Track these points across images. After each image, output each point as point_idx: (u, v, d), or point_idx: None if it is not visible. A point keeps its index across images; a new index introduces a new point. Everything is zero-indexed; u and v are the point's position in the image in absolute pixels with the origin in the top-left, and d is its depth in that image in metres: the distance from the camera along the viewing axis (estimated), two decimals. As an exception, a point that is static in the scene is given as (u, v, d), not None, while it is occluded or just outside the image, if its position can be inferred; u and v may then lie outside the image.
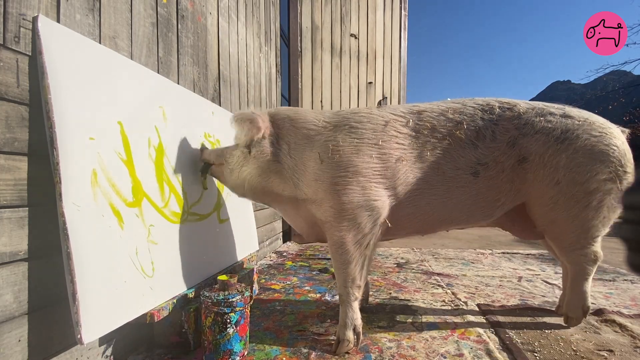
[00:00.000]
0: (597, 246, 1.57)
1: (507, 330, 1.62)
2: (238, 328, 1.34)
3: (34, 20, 0.99)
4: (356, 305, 1.48)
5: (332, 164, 1.44)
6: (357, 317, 1.47)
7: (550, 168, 1.49)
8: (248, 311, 1.40)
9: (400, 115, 1.54)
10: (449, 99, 1.65)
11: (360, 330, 1.46)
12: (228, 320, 1.31)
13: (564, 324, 1.66)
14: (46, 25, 1.01)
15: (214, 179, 1.82)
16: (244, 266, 2.06)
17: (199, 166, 1.73)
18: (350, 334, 1.44)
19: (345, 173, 1.43)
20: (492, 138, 1.50)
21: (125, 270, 1.17)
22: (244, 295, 1.37)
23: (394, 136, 1.49)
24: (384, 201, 1.45)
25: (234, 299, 1.33)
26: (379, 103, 5.60)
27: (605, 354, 1.41)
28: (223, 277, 1.40)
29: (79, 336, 0.96)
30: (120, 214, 1.19)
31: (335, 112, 1.62)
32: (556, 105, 1.60)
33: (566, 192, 1.49)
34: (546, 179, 1.49)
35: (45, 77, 0.98)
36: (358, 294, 1.48)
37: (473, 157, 1.49)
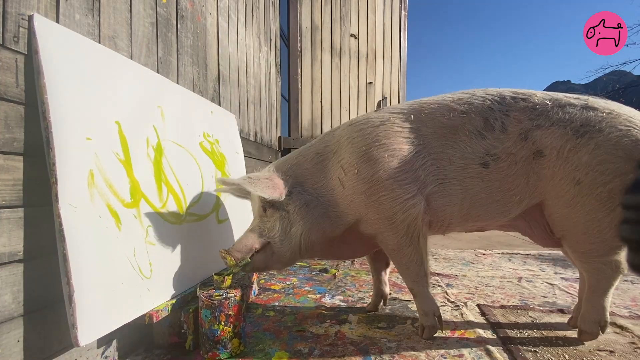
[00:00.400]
0: (620, 255, 1.41)
1: (507, 331, 1.62)
2: (229, 321, 1.36)
3: (30, 19, 0.99)
4: (429, 293, 1.56)
5: (355, 182, 1.47)
6: (433, 303, 1.56)
7: (570, 165, 1.37)
8: (237, 307, 1.38)
9: (400, 112, 1.54)
10: (460, 90, 1.62)
11: (440, 313, 1.56)
12: (217, 314, 1.34)
13: (578, 339, 1.51)
14: (42, 24, 1.00)
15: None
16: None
17: (228, 273, 1.46)
18: (432, 320, 1.53)
19: (370, 184, 1.45)
20: (501, 129, 1.44)
21: (122, 271, 1.17)
22: (231, 293, 1.37)
23: (398, 132, 1.48)
24: (415, 195, 1.45)
25: (225, 294, 1.35)
26: (379, 104, 5.60)
27: (605, 355, 1.41)
28: (218, 277, 1.42)
29: (74, 338, 0.96)
30: (118, 214, 1.19)
31: (329, 132, 1.63)
32: (579, 96, 1.49)
33: (588, 193, 1.35)
34: (565, 177, 1.38)
35: (42, 76, 0.98)
36: (427, 283, 1.55)
37: (481, 147, 1.45)
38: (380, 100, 5.61)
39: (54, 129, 0.99)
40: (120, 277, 1.16)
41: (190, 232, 1.61)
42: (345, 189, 1.49)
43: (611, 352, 1.43)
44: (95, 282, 1.05)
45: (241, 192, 1.69)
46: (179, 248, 1.50)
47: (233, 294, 1.36)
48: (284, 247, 1.51)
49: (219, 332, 1.34)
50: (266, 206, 1.52)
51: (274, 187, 1.47)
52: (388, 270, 1.90)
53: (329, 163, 1.54)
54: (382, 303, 1.88)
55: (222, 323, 1.34)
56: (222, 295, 1.35)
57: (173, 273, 1.45)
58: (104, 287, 1.08)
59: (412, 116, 1.52)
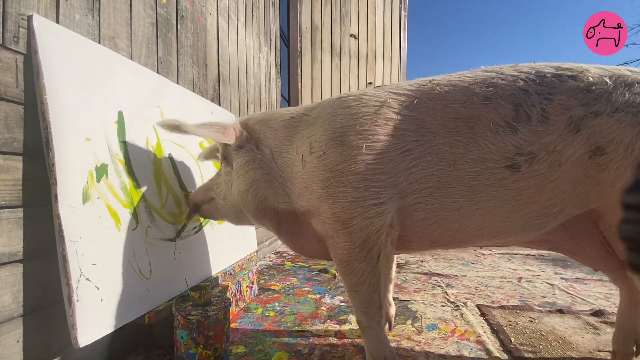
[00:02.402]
0: None
1: (507, 331, 1.62)
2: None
3: (29, 19, 0.99)
4: (381, 330, 1.22)
5: (317, 165, 1.18)
6: (384, 344, 1.21)
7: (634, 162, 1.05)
8: (219, 327, 1.22)
9: (403, 94, 1.21)
10: (482, 67, 1.25)
11: (394, 358, 1.23)
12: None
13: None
14: (41, 24, 1.00)
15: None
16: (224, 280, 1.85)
17: (184, 214, 1.55)
18: None
19: (332, 174, 1.15)
20: (541, 119, 1.09)
21: (122, 272, 1.17)
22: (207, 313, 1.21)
23: (392, 120, 1.17)
24: (385, 202, 1.14)
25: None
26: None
27: (605, 355, 1.41)
28: (194, 293, 1.27)
29: (74, 339, 0.96)
30: (118, 215, 1.19)
31: (320, 101, 1.36)
32: None
33: None
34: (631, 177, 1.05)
35: (41, 77, 0.98)
36: (379, 316, 1.22)
37: (510, 144, 1.10)
38: (369, 83, 5.60)
39: (54, 130, 0.99)
40: (120, 277, 1.16)
41: (189, 232, 1.60)
42: (304, 169, 1.21)
43: (612, 352, 1.43)
44: (94, 283, 1.05)
45: (211, 155, 1.60)
46: (178, 248, 1.50)
47: (214, 312, 1.20)
48: (227, 205, 1.41)
49: (197, 357, 1.16)
50: (221, 158, 1.43)
51: (221, 132, 1.30)
52: (391, 287, 1.64)
53: (299, 133, 1.27)
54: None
55: (201, 346, 1.16)
56: (202, 313, 1.18)
57: (173, 273, 1.45)
58: (104, 288, 1.08)
59: (416, 101, 1.18)
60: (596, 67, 1.15)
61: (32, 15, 0.99)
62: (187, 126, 1.25)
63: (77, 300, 0.98)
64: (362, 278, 1.20)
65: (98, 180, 1.13)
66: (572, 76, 1.12)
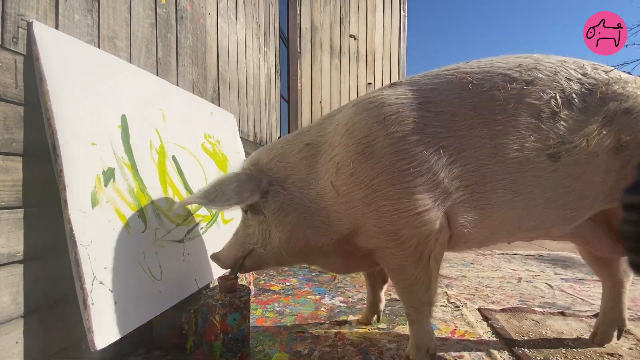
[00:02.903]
0: None
1: (508, 332, 1.61)
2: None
3: (29, 26, 0.99)
4: (429, 324, 1.27)
5: (350, 187, 1.13)
6: (430, 338, 1.26)
7: None
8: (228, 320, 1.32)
9: (426, 88, 1.14)
10: (508, 55, 1.22)
11: (436, 351, 1.27)
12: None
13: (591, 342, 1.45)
14: (42, 31, 1.01)
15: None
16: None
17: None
18: (422, 356, 1.24)
19: (370, 190, 1.11)
20: (582, 108, 1.09)
21: (134, 274, 1.17)
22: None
23: (418, 117, 1.10)
24: (430, 209, 1.10)
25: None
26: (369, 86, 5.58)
27: (609, 358, 1.40)
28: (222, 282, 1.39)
29: (91, 342, 0.96)
30: (126, 218, 1.19)
31: (329, 116, 1.30)
32: None
33: None
34: None
35: (44, 83, 0.98)
36: (429, 312, 1.25)
37: (553, 132, 1.08)
38: (369, 83, 5.61)
39: (60, 136, 0.99)
40: (132, 280, 1.16)
41: (197, 232, 1.61)
42: (339, 195, 1.16)
43: (620, 355, 1.42)
44: (108, 286, 1.06)
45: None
46: (187, 249, 1.49)
47: (247, 293, 1.38)
48: (268, 253, 1.32)
49: (246, 330, 1.37)
50: (245, 209, 1.34)
51: (238, 192, 1.20)
52: (385, 287, 1.71)
53: (320, 159, 1.20)
54: (374, 318, 1.71)
55: (248, 321, 1.38)
56: (244, 294, 1.36)
57: (183, 274, 1.44)
58: (117, 291, 1.09)
59: (446, 93, 1.11)
60: (625, 74, 1.19)
61: (32, 22, 0.99)
62: (204, 201, 1.19)
63: (92, 304, 0.98)
64: (415, 281, 1.20)
65: (105, 185, 1.13)
66: (607, 71, 1.15)
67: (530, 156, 1.08)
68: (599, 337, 1.48)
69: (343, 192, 1.15)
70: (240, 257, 1.39)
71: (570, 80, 1.12)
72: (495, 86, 1.10)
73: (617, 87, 1.13)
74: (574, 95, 1.10)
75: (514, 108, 1.08)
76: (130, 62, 1.44)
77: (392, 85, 1.21)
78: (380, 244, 1.19)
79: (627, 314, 1.49)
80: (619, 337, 1.49)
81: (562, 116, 1.08)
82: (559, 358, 1.40)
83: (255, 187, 1.23)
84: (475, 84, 1.11)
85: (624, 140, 1.09)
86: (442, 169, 1.09)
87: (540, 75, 1.11)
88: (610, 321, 1.47)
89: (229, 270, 1.45)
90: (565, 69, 1.14)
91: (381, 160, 1.09)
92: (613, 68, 1.18)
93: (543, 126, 1.08)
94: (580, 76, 1.13)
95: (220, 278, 1.42)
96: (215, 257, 1.43)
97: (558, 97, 1.09)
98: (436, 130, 1.10)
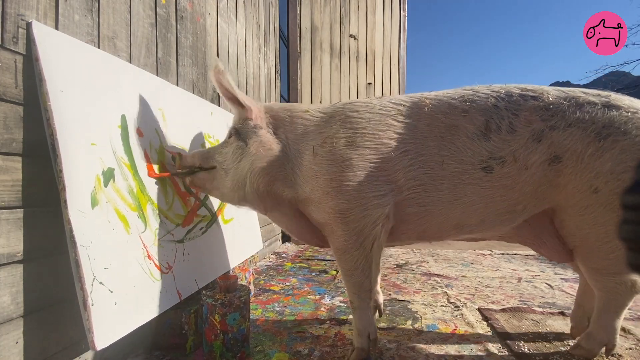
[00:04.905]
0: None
1: (508, 332, 1.61)
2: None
3: (29, 26, 0.99)
4: (368, 310, 1.39)
5: (327, 158, 1.32)
6: (370, 323, 1.38)
7: (589, 172, 1.23)
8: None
9: (400, 104, 1.39)
10: (462, 87, 1.46)
11: (376, 336, 1.40)
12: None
13: (571, 351, 1.43)
14: (41, 31, 1.00)
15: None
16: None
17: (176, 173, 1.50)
18: (364, 342, 1.36)
19: (341, 167, 1.29)
20: (509, 130, 1.29)
21: (134, 275, 1.17)
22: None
23: (392, 125, 1.34)
24: (385, 197, 1.30)
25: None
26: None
27: (609, 358, 1.40)
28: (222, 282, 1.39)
29: (91, 342, 0.96)
30: (126, 218, 1.19)
31: (332, 104, 1.50)
32: (599, 92, 1.34)
33: (604, 203, 1.22)
34: (582, 185, 1.24)
35: (44, 83, 0.98)
36: (369, 298, 1.39)
37: (484, 150, 1.29)
38: (369, 83, 5.61)
39: (59, 136, 0.99)
40: (132, 280, 1.16)
41: (197, 233, 1.60)
42: (314, 158, 1.33)
43: (619, 355, 1.42)
44: (108, 287, 1.05)
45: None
46: (187, 249, 1.50)
47: (246, 294, 1.38)
48: (226, 179, 1.43)
49: (245, 330, 1.37)
50: (232, 132, 1.47)
51: (249, 107, 1.41)
52: (378, 278, 1.66)
53: (314, 127, 1.40)
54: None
55: (247, 320, 1.38)
56: (243, 294, 1.37)
57: (183, 274, 1.44)
58: (117, 291, 1.09)
59: (411, 110, 1.37)
60: (554, 89, 1.36)
61: (31, 22, 0.99)
62: (232, 87, 1.39)
63: (92, 304, 0.98)
64: (356, 264, 1.35)
65: (105, 185, 1.13)
66: (533, 97, 1.33)
67: (467, 168, 1.30)
68: (576, 330, 1.58)
69: (317, 160, 1.34)
70: (197, 165, 1.48)
71: (499, 107, 1.32)
72: (442, 112, 1.35)
73: (543, 111, 1.30)
74: (502, 119, 1.30)
75: (454, 129, 1.32)
76: (131, 62, 1.44)
77: (379, 98, 1.48)
78: (330, 219, 1.34)
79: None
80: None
81: (492, 137, 1.29)
82: (558, 358, 1.40)
83: (260, 116, 1.43)
84: (430, 107, 1.37)
85: (557, 152, 1.25)
86: (402, 169, 1.31)
87: (474, 105, 1.34)
88: (583, 313, 1.57)
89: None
90: (495, 98, 1.34)
91: (359, 149, 1.31)
92: (542, 91, 1.34)
93: (476, 144, 1.30)
94: (507, 104, 1.32)
95: (220, 278, 1.42)
96: (179, 154, 1.49)
97: (487, 121, 1.31)
98: (403, 137, 1.33)
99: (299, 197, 1.38)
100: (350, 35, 5.56)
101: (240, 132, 1.44)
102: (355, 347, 1.37)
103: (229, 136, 1.49)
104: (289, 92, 5.13)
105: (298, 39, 5.24)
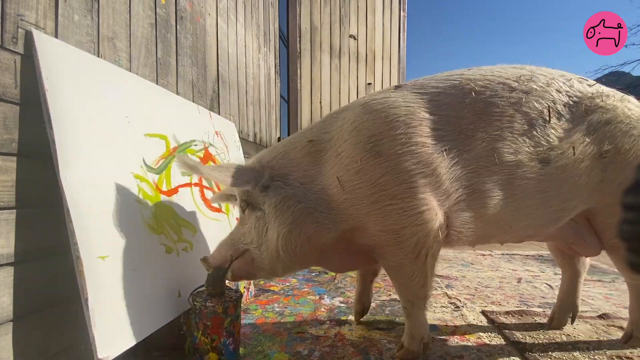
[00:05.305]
0: None
1: (508, 332, 1.61)
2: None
3: (29, 35, 0.99)
4: (424, 316, 1.33)
5: (358, 182, 1.16)
6: (424, 327, 1.33)
7: (627, 166, 1.23)
8: (217, 320, 1.27)
9: (431, 91, 1.20)
10: (505, 65, 1.33)
11: (429, 341, 1.36)
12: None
13: (623, 343, 1.47)
14: (42, 41, 1.01)
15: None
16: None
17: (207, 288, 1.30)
18: (416, 345, 1.32)
19: (377, 189, 1.15)
20: (570, 118, 1.22)
21: (138, 280, 1.15)
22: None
23: (425, 119, 1.16)
24: (432, 208, 1.16)
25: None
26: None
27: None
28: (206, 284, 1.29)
29: (96, 353, 0.94)
30: (129, 222, 1.18)
31: (333, 114, 1.32)
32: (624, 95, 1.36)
33: None
34: (625, 182, 1.22)
35: (43, 85, 0.98)
36: (424, 305, 1.32)
37: (544, 139, 1.19)
38: (368, 84, 5.61)
39: (59, 136, 0.99)
40: (138, 289, 1.14)
41: (206, 236, 1.60)
42: (344, 190, 1.18)
43: (629, 359, 1.41)
44: (111, 294, 1.04)
45: (225, 197, 1.51)
46: (195, 254, 1.48)
47: (212, 304, 1.25)
48: (262, 254, 1.26)
49: (197, 340, 1.28)
50: (243, 205, 1.31)
51: (235, 175, 1.19)
52: (374, 280, 1.72)
53: (325, 155, 1.23)
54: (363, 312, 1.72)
55: (200, 332, 1.26)
56: (202, 302, 1.26)
57: (188, 282, 1.42)
58: (121, 299, 1.07)
59: (449, 97, 1.19)
60: (603, 86, 1.34)
61: (31, 31, 0.99)
62: (204, 170, 1.20)
63: (97, 314, 0.97)
64: (412, 277, 1.25)
65: (108, 193, 1.12)
66: (591, 85, 1.29)
67: (524, 160, 1.18)
68: (556, 322, 1.64)
69: (349, 189, 1.18)
70: (230, 258, 1.30)
71: (560, 92, 1.24)
72: (495, 94, 1.20)
73: (599, 100, 1.27)
74: (563, 106, 1.23)
75: (511, 115, 1.19)
76: (130, 63, 1.44)
77: (397, 87, 1.28)
78: (380, 241, 1.23)
79: (580, 301, 1.66)
80: (572, 322, 1.65)
81: (552, 124, 1.20)
82: (558, 356, 1.40)
83: (252, 178, 1.24)
84: (477, 91, 1.20)
85: (605, 148, 1.22)
86: (445, 171, 1.16)
87: (535, 86, 1.22)
88: (566, 307, 1.63)
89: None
90: (556, 82, 1.26)
91: (388, 160, 1.14)
92: (595, 82, 1.32)
93: (535, 133, 1.19)
94: (568, 89, 1.25)
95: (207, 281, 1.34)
96: (204, 259, 1.33)
97: (550, 107, 1.21)
98: (441, 133, 1.16)
99: (342, 232, 1.25)
100: (350, 36, 5.56)
101: (250, 202, 1.29)
102: (405, 346, 1.34)
103: (242, 211, 1.34)
104: (289, 92, 5.13)
105: (298, 39, 5.24)
